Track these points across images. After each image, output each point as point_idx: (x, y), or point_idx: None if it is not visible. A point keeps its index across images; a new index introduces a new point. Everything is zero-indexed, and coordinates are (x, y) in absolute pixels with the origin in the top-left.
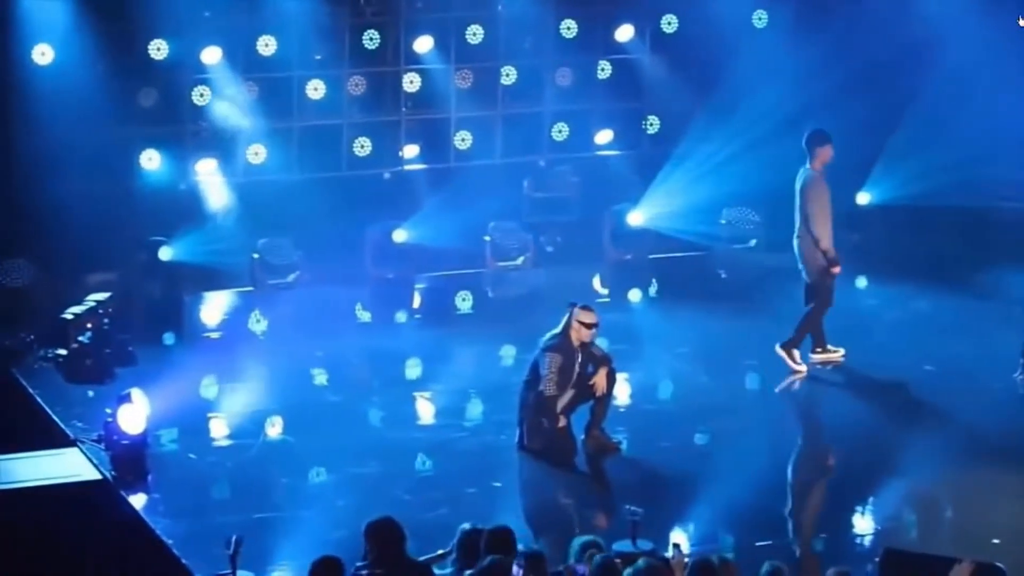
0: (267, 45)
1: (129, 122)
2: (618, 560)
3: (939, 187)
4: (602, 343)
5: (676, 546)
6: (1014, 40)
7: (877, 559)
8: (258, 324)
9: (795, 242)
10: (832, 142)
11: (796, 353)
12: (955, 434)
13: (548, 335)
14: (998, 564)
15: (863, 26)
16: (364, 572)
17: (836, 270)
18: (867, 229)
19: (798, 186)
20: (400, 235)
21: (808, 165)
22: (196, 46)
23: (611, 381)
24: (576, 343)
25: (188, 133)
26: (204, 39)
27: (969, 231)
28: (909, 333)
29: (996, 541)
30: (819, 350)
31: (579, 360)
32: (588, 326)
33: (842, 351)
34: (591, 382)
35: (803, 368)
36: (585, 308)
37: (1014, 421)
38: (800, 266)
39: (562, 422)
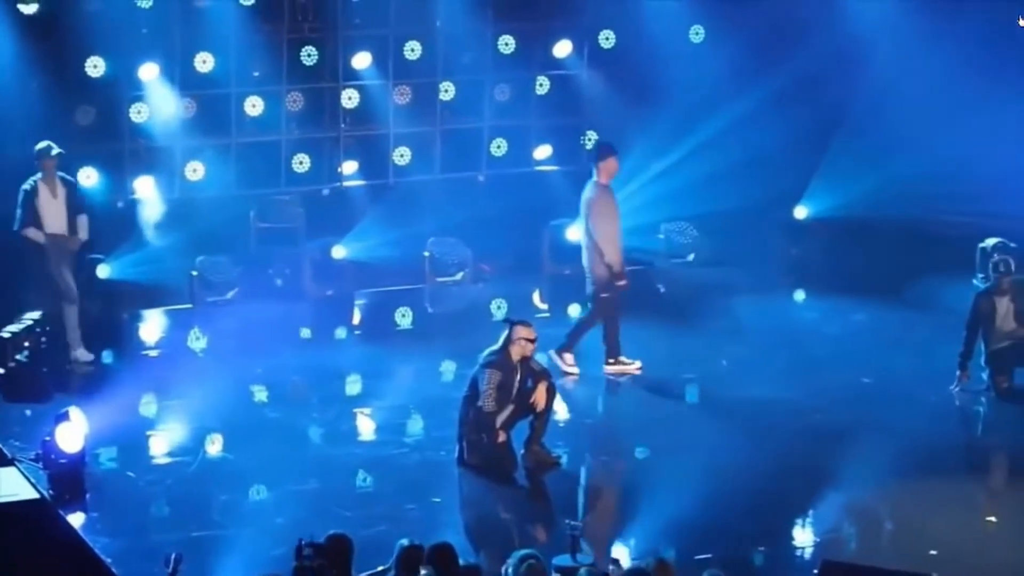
0: (204, 62)
1: (66, 140)
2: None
3: (876, 200)
4: (541, 358)
5: (615, 561)
6: (948, 52)
7: (816, 572)
8: (197, 341)
9: (583, 253)
10: (617, 154)
11: (568, 356)
12: (892, 446)
13: (487, 351)
14: (934, 575)
15: (800, 41)
16: None
17: (621, 283)
18: (805, 243)
19: (584, 199)
20: (339, 251)
21: (594, 178)
22: (133, 63)
23: (550, 396)
24: (517, 359)
25: (126, 151)
26: (141, 56)
27: (906, 244)
28: (847, 346)
29: (933, 552)
30: (612, 361)
31: (518, 376)
32: (531, 341)
33: (638, 363)
34: (532, 399)
35: (575, 370)
36: (525, 324)
37: (951, 433)
38: (586, 276)
39: (501, 437)
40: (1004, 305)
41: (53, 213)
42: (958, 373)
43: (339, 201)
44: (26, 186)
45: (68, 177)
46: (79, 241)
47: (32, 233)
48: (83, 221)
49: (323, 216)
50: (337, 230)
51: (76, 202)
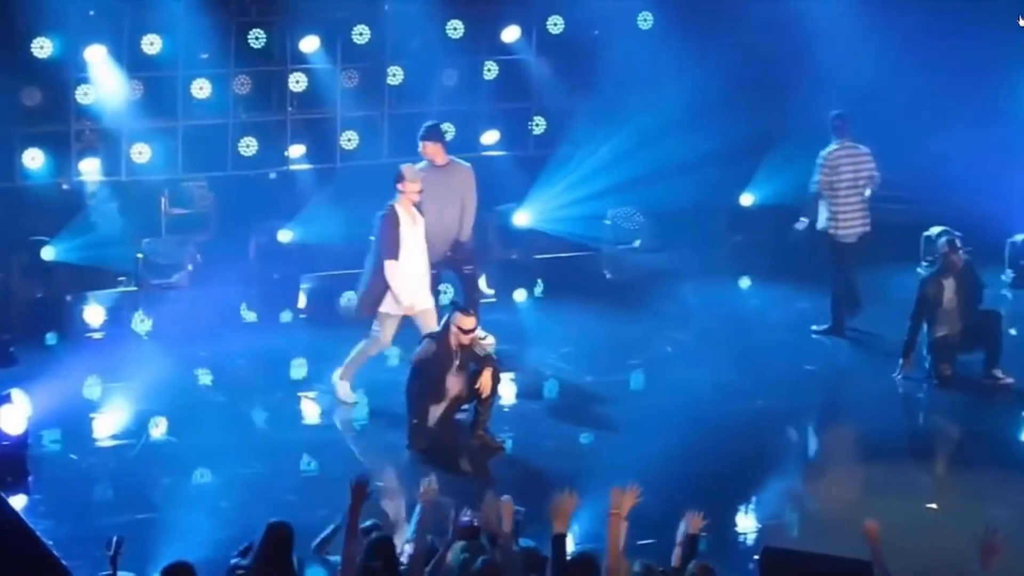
0: (152, 44)
1: (12, 121)
2: None
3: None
4: (489, 344)
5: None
6: (889, 41)
7: (757, 557)
8: (142, 324)
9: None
10: (436, 140)
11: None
12: (834, 433)
13: (426, 336)
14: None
15: (748, 28)
16: (240, 571)
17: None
18: (750, 230)
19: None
20: (285, 235)
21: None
22: (80, 44)
23: (495, 381)
24: (454, 346)
25: (71, 132)
26: (88, 37)
27: None
28: (790, 332)
29: None
30: None
31: (457, 362)
32: (466, 332)
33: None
34: (477, 385)
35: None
36: (464, 312)
37: (892, 420)
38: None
39: (434, 420)
40: (951, 288)
41: None
42: (901, 361)
43: (286, 185)
44: None
45: None
46: None
47: None
48: None
49: (270, 200)
50: (284, 213)
51: None
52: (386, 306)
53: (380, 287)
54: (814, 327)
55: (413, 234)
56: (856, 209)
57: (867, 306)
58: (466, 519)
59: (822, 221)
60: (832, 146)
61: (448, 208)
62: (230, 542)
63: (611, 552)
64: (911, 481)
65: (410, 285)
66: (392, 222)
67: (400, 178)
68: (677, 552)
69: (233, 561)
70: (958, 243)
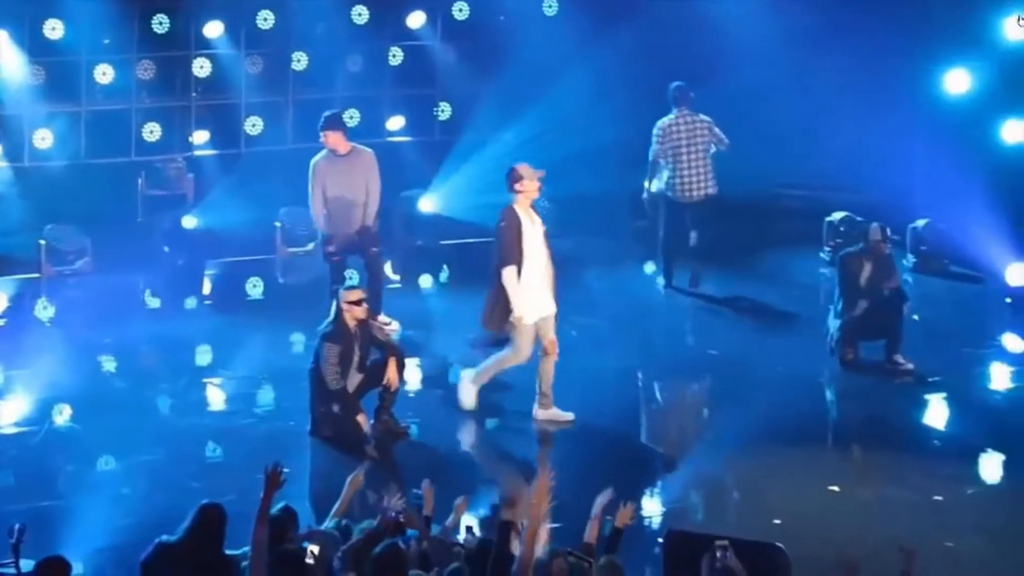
0: (54, 29)
1: None
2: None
3: (724, 174)
4: (393, 329)
5: (469, 528)
6: (798, 28)
7: (661, 540)
8: (44, 311)
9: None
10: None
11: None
12: (738, 417)
13: (324, 323)
14: (778, 544)
15: (654, 16)
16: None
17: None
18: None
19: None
20: (190, 221)
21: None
22: None
23: (401, 371)
24: (352, 325)
25: None
26: None
27: (754, 218)
28: (695, 318)
29: (777, 521)
30: None
31: (358, 343)
32: (355, 303)
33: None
34: (384, 381)
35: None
36: (349, 287)
37: (794, 405)
38: None
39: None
40: (868, 270)
41: None
42: (845, 350)
43: (190, 170)
44: None
45: None
46: None
47: None
48: None
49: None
50: (156, 200)
51: None
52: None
53: (505, 296)
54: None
55: (533, 236)
56: (696, 172)
57: (770, 291)
58: (392, 514)
59: (659, 185)
60: (668, 116)
61: (353, 195)
62: (132, 529)
63: (527, 540)
64: (812, 464)
65: (529, 293)
66: (512, 225)
67: (517, 177)
68: (591, 526)
69: (162, 537)
70: (888, 232)
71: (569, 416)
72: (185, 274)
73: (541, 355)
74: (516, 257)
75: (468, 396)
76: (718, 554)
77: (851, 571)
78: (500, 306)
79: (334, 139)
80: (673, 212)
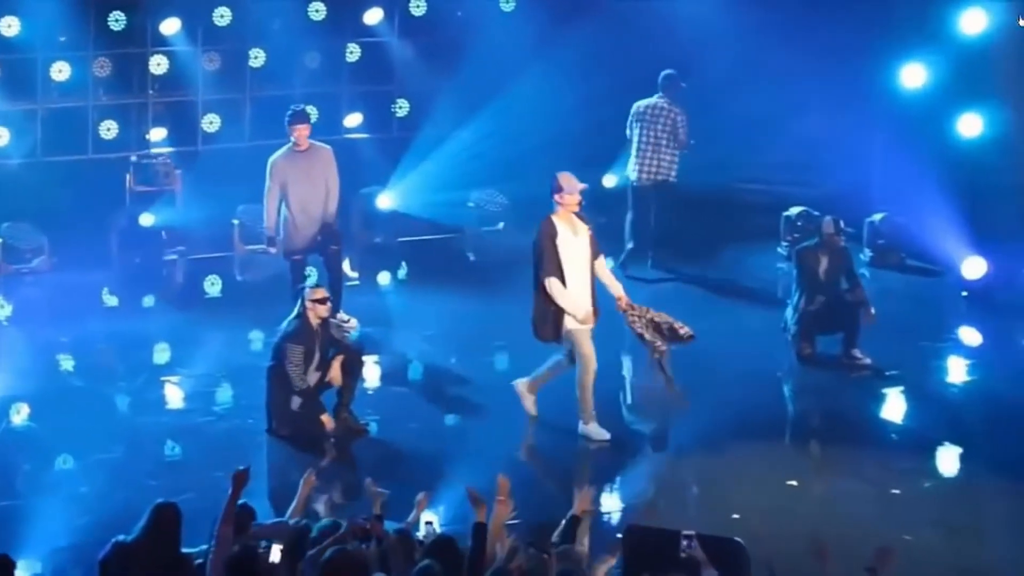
0: (10, 26)
1: None
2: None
3: (683, 168)
4: (352, 326)
5: (428, 523)
6: (755, 23)
7: (620, 535)
8: (1, 309)
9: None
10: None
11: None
12: (697, 412)
13: (287, 320)
14: (737, 539)
15: (611, 10)
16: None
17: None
18: (613, 211)
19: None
20: (147, 218)
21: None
22: None
23: (357, 367)
24: (315, 323)
25: None
26: None
27: (712, 212)
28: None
29: (736, 516)
30: None
31: (319, 341)
32: (320, 301)
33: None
34: (327, 378)
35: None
36: (315, 286)
37: (753, 400)
38: None
39: (298, 406)
40: (824, 264)
41: None
42: (802, 344)
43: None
44: None
45: None
46: None
47: None
48: None
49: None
50: (144, 197)
51: None
52: (570, 322)
53: (552, 307)
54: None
55: (574, 247)
56: (647, 157)
57: (729, 285)
58: (361, 519)
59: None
60: (648, 99)
61: (314, 191)
62: (90, 528)
63: (490, 537)
64: (771, 459)
65: (576, 299)
66: (548, 235)
67: (557, 188)
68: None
69: (118, 537)
70: (842, 225)
71: (606, 435)
72: (143, 272)
73: (565, 364)
74: (553, 268)
75: (591, 432)
76: (683, 543)
77: (820, 557)
78: (551, 316)
79: (303, 133)
80: (632, 194)
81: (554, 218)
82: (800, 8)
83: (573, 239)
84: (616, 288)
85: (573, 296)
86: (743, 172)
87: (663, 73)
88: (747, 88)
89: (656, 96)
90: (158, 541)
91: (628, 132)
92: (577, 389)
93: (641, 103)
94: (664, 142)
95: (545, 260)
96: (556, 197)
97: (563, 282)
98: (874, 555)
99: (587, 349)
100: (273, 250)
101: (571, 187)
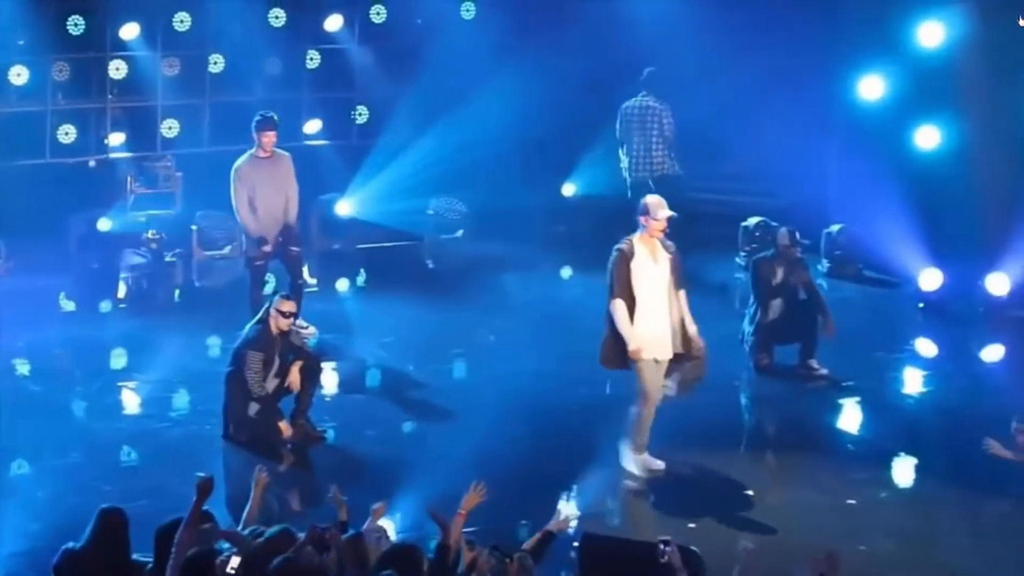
0: None
1: None
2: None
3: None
4: (310, 333)
5: (384, 532)
6: (715, 32)
7: (576, 544)
8: None
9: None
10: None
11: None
12: (655, 422)
13: (249, 324)
14: (693, 548)
15: (571, 20)
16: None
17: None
18: (572, 220)
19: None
20: (105, 224)
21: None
22: None
23: (315, 373)
24: (276, 332)
25: None
26: None
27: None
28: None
29: (692, 525)
30: None
31: (279, 349)
32: (285, 315)
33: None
34: (286, 383)
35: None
36: (285, 297)
37: (710, 409)
38: None
39: (256, 413)
40: (780, 275)
41: None
42: (759, 356)
43: (105, 173)
44: None
45: None
46: None
47: None
48: None
49: (89, 188)
50: (103, 202)
51: None
52: (638, 351)
53: (619, 334)
54: None
55: (651, 272)
56: (640, 154)
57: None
58: (320, 528)
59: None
60: (632, 99)
61: (276, 198)
62: (45, 533)
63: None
64: (728, 468)
65: (644, 331)
66: (623, 256)
67: (644, 211)
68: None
69: (68, 544)
70: (798, 236)
71: (660, 464)
72: (100, 277)
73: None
74: (624, 292)
75: (636, 464)
76: (660, 547)
77: (832, 565)
78: (619, 344)
79: (270, 139)
80: (631, 190)
81: (635, 239)
82: (758, 20)
83: (652, 264)
84: (690, 328)
85: (636, 324)
86: (701, 182)
87: (646, 70)
88: (705, 98)
89: (641, 95)
90: (106, 547)
91: (617, 133)
92: (631, 419)
93: (629, 103)
94: (652, 139)
95: (615, 281)
96: (642, 220)
97: (632, 307)
98: (824, 559)
99: (647, 383)
100: (268, 248)
101: (658, 212)
